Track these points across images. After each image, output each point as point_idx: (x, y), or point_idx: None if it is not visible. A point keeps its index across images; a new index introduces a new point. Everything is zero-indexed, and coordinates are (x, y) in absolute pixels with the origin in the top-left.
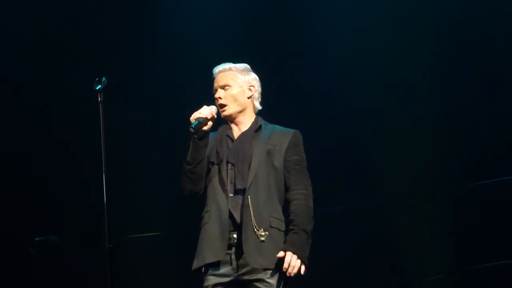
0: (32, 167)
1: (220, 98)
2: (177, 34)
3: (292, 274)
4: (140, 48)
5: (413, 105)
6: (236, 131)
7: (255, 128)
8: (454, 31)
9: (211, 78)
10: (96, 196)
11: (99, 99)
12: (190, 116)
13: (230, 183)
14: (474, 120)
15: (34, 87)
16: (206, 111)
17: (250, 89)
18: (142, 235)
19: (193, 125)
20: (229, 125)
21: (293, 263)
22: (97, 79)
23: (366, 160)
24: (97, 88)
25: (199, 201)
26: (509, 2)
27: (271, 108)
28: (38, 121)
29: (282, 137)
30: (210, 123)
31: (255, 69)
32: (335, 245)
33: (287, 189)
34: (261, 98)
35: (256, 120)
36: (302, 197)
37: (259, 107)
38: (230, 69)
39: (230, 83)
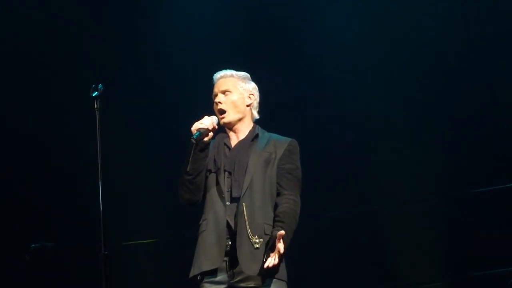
0: (28, 173)
1: (220, 102)
2: (174, 41)
3: (270, 265)
4: (136, 54)
5: (408, 111)
6: (234, 140)
7: (252, 137)
8: (453, 38)
9: (210, 84)
10: (92, 203)
11: (96, 106)
12: (192, 126)
13: (227, 191)
14: (469, 126)
15: (29, 93)
16: (208, 122)
17: (249, 97)
18: (138, 242)
19: (194, 136)
20: (227, 133)
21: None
22: (93, 85)
23: (360, 167)
24: (93, 95)
25: (196, 208)
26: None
27: (267, 114)
28: (34, 127)
29: (278, 145)
30: (211, 134)
31: (252, 75)
32: (329, 251)
33: (277, 194)
34: (259, 106)
35: (253, 129)
36: (292, 202)
37: (256, 116)
38: (231, 75)
39: (231, 89)
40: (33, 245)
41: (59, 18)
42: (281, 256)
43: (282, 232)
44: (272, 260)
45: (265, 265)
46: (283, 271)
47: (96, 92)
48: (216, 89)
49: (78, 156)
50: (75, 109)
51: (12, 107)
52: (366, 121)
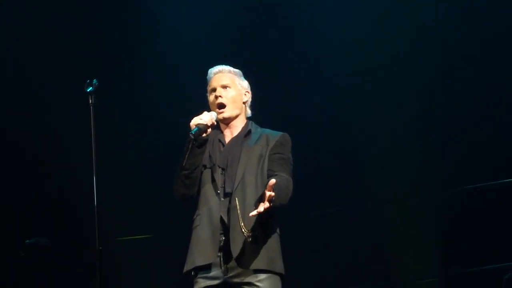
0: (22, 169)
1: (220, 96)
2: (170, 37)
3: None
4: (131, 50)
5: (403, 110)
6: (228, 136)
7: (245, 133)
8: (446, 38)
9: (206, 81)
10: (86, 199)
11: (90, 101)
12: (190, 121)
13: (221, 187)
14: (463, 125)
15: (24, 88)
16: (207, 118)
17: (245, 94)
18: (133, 237)
19: (193, 131)
20: (221, 129)
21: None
22: (88, 81)
23: (355, 165)
24: (88, 90)
25: (191, 204)
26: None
27: (263, 111)
28: (28, 123)
29: (270, 138)
30: (209, 130)
31: (248, 72)
32: (324, 249)
33: (269, 176)
34: (253, 102)
35: (246, 125)
36: (284, 179)
37: (250, 113)
38: (229, 71)
39: (231, 84)
40: (27, 241)
41: (56, 15)
42: (271, 202)
43: (273, 180)
44: (261, 207)
45: (252, 213)
46: (279, 265)
47: (91, 88)
48: (215, 83)
49: (72, 151)
50: (69, 104)
51: (7, 103)
52: (363, 120)
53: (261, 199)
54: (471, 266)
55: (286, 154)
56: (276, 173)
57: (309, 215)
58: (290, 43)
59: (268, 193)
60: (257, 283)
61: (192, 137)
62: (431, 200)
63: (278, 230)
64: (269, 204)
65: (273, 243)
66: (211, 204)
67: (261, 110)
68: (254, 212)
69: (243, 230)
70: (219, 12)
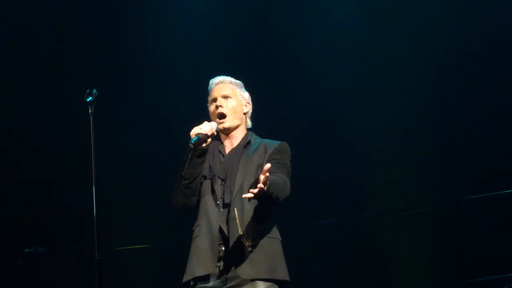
0: (22, 178)
1: (221, 106)
2: (169, 47)
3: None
4: (131, 59)
5: (404, 122)
6: (228, 146)
7: (245, 144)
8: (446, 46)
9: (205, 90)
10: (85, 208)
11: (90, 111)
12: (191, 131)
13: (221, 197)
14: (464, 135)
15: (24, 98)
16: (207, 128)
17: (246, 105)
18: (132, 247)
19: (192, 141)
20: (221, 140)
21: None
22: (87, 91)
23: (356, 175)
24: (87, 100)
25: (190, 214)
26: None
27: (261, 119)
28: (29, 132)
29: (269, 147)
30: (209, 140)
31: (244, 81)
32: (325, 259)
33: None
34: (253, 112)
35: (246, 136)
36: (281, 178)
37: (250, 124)
38: (230, 82)
39: (231, 95)
40: (26, 250)
41: (53, 23)
42: (265, 183)
43: (269, 165)
44: (255, 189)
45: (246, 195)
46: (281, 272)
47: (91, 97)
48: (216, 93)
49: (72, 161)
50: (69, 114)
51: (6, 112)
52: (362, 129)
53: (255, 184)
54: (470, 277)
55: (284, 160)
56: (273, 174)
57: (309, 225)
58: (290, 52)
59: (262, 177)
60: None
61: (192, 146)
62: (431, 210)
63: (279, 237)
64: (263, 186)
65: (275, 249)
66: (210, 215)
67: (260, 120)
68: (249, 195)
69: (242, 239)
70: (216, 20)
